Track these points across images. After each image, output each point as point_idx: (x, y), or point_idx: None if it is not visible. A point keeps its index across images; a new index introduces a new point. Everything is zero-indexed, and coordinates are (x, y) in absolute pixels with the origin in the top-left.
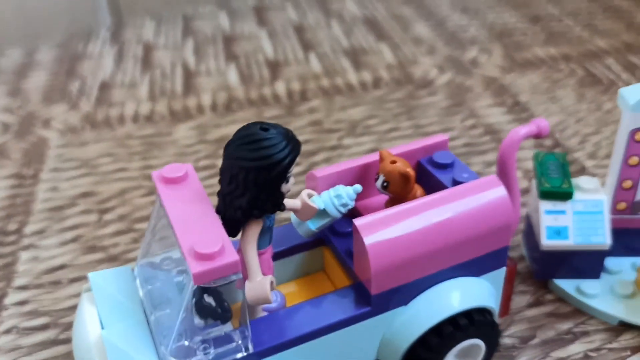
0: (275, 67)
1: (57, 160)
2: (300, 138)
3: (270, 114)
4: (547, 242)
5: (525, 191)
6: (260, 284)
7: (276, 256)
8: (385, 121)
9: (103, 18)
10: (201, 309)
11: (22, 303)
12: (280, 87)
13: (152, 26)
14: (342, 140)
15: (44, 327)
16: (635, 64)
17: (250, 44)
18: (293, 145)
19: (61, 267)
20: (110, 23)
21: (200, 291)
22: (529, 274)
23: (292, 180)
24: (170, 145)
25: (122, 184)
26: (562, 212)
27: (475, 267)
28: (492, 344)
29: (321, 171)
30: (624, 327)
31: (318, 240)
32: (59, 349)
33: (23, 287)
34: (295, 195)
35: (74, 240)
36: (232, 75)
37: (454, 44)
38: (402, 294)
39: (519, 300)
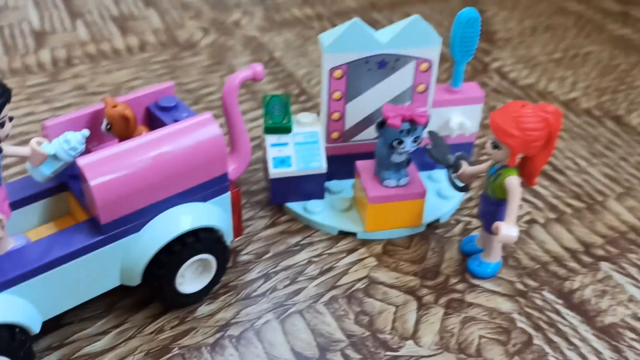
0: (41, 36)
1: None
2: (64, 102)
3: (33, 82)
4: (273, 170)
5: None
6: None
7: (18, 204)
8: (149, 82)
9: None
10: None
11: None
12: (45, 55)
13: None
14: None
15: None
16: (377, 20)
17: (15, 14)
18: (1, 91)
19: None
20: None
21: None
22: (268, 202)
23: (8, 125)
24: None
25: None
26: (285, 144)
27: (199, 194)
28: (222, 258)
29: (51, 120)
30: (342, 235)
31: (61, 186)
32: None
33: None
34: None
35: None
36: None
37: (220, 8)
38: (132, 222)
39: (258, 224)
